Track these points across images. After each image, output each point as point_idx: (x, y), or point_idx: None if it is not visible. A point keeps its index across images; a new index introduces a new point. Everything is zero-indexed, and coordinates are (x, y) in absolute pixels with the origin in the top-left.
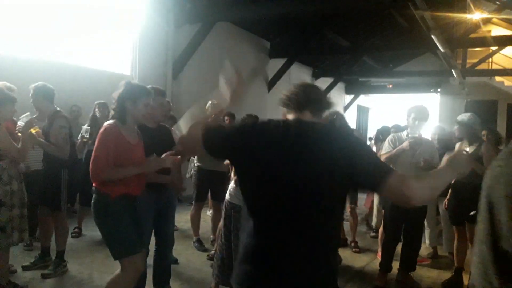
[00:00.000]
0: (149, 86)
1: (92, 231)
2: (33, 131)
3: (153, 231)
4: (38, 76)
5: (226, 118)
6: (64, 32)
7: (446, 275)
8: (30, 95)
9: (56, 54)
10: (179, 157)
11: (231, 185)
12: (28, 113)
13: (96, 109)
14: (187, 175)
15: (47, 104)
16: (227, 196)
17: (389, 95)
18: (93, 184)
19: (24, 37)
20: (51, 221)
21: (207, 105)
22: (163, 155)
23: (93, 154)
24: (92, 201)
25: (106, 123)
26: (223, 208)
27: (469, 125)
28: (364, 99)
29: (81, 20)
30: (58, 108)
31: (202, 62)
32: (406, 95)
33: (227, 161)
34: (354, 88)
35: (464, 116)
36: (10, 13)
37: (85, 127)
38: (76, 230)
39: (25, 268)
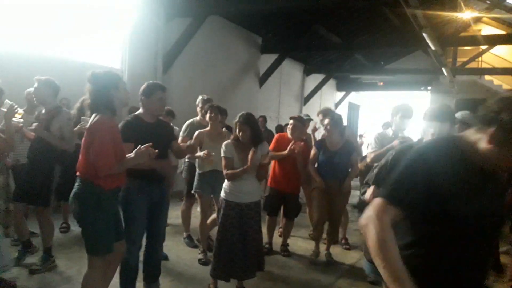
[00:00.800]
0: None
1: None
2: (18, 115)
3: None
4: (27, 70)
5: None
6: (52, 25)
7: None
8: (34, 86)
9: (44, 47)
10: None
11: (226, 182)
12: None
13: (82, 103)
14: (178, 171)
15: (52, 98)
16: (222, 194)
17: (380, 93)
18: (80, 175)
19: (11, 31)
20: (23, 215)
21: (198, 100)
22: (142, 147)
23: (97, 149)
24: (78, 192)
25: (98, 117)
26: (220, 206)
27: (469, 123)
28: (355, 96)
29: (70, 13)
30: (59, 104)
31: (192, 56)
32: (397, 92)
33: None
34: (345, 85)
35: (463, 114)
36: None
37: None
38: (64, 225)
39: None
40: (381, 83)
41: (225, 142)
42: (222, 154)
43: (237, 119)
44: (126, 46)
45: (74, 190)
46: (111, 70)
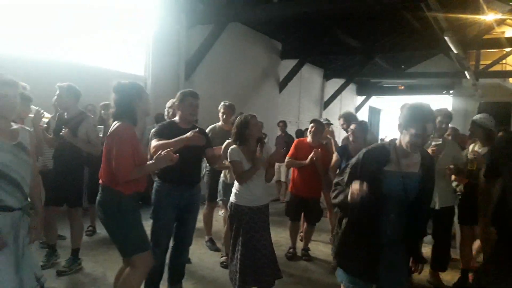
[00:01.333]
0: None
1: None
2: (45, 119)
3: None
4: (52, 76)
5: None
6: (79, 32)
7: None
8: (56, 93)
9: (71, 54)
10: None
11: (236, 185)
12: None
13: (102, 110)
14: (200, 175)
15: (74, 103)
16: (232, 198)
17: (401, 97)
18: (102, 182)
19: (39, 38)
20: (56, 219)
21: (220, 106)
22: (162, 152)
23: (115, 155)
24: (101, 199)
25: (118, 125)
26: (229, 211)
27: (483, 126)
28: (375, 100)
29: (94, 20)
30: (82, 109)
31: (214, 62)
32: (418, 96)
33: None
34: (365, 89)
35: (479, 117)
36: (26, 14)
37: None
38: (90, 228)
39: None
40: (402, 87)
41: (230, 147)
42: (230, 159)
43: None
44: (150, 53)
45: (97, 197)
46: (135, 81)
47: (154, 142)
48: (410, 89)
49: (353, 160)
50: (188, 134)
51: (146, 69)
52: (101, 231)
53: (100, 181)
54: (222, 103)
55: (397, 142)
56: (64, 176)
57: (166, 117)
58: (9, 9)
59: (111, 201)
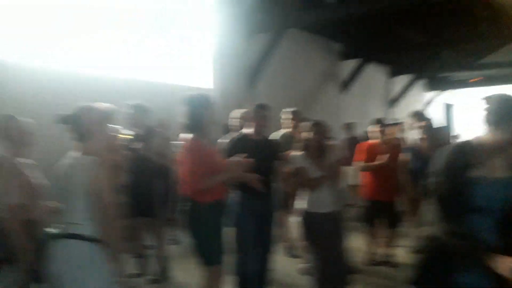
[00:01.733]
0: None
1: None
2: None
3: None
4: (122, 94)
5: None
6: (145, 49)
7: None
8: (130, 111)
9: (138, 71)
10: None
11: (309, 193)
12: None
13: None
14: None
15: (144, 120)
16: (303, 204)
17: (475, 89)
18: (184, 194)
19: (108, 56)
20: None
21: (285, 112)
22: (234, 160)
23: (187, 168)
24: (184, 210)
25: (188, 137)
26: (301, 219)
27: None
28: (446, 95)
29: (158, 37)
30: (152, 125)
31: (275, 70)
32: (494, 87)
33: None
34: (434, 84)
35: None
36: (94, 34)
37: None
38: (173, 238)
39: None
40: (475, 80)
41: (295, 154)
42: (295, 166)
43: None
44: (214, 65)
45: (181, 208)
46: (204, 92)
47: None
48: (484, 81)
49: (434, 167)
50: (249, 177)
51: (214, 82)
52: (185, 240)
53: (183, 192)
54: (288, 109)
55: (482, 140)
56: (144, 188)
57: (230, 127)
58: (80, 30)
59: (192, 211)
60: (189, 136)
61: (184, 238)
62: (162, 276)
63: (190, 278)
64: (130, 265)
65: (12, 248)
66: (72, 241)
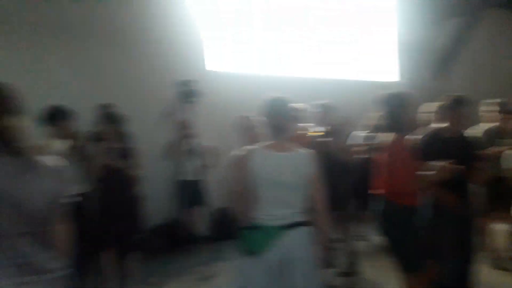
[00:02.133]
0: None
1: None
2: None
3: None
4: (311, 92)
5: None
6: (330, 46)
7: None
8: (318, 110)
9: (322, 69)
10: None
11: None
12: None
13: (366, 122)
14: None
15: (331, 119)
16: None
17: None
18: (379, 192)
19: (296, 56)
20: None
21: (488, 104)
22: (442, 163)
23: (388, 168)
24: (379, 209)
25: (390, 137)
26: None
27: None
28: None
29: (343, 32)
30: (339, 125)
31: (473, 57)
32: None
33: None
34: None
35: None
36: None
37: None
38: (362, 234)
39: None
40: None
41: (505, 152)
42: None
43: None
44: (399, 56)
45: (373, 206)
46: (402, 90)
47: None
48: None
49: None
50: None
51: (401, 74)
52: (375, 238)
53: (380, 192)
54: (492, 100)
55: None
56: (333, 183)
57: (419, 122)
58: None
59: (387, 212)
60: (389, 135)
61: (374, 236)
62: (350, 270)
63: (378, 275)
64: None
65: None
66: (307, 227)
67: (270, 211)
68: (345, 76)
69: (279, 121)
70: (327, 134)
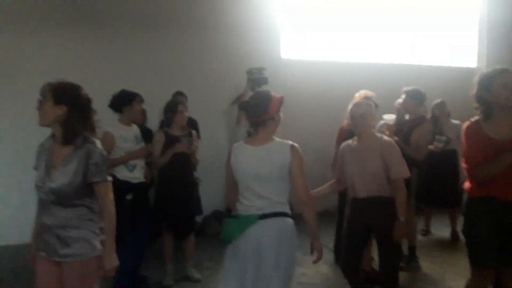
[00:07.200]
0: None
1: (439, 230)
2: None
3: None
4: (381, 79)
5: None
6: (402, 31)
7: None
8: (402, 97)
9: (398, 55)
10: None
11: None
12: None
13: (436, 109)
14: None
15: (417, 107)
16: None
17: None
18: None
19: (369, 44)
20: None
21: None
22: None
23: (465, 154)
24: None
25: (467, 122)
26: None
27: None
28: None
29: (417, 16)
30: (423, 114)
31: None
32: None
33: None
34: None
35: None
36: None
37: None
38: (424, 228)
39: None
40: None
41: None
42: None
43: None
44: (484, 40)
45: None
46: (467, 74)
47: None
48: None
49: None
50: None
51: (479, 58)
52: (435, 232)
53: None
54: None
55: None
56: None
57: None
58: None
59: (465, 204)
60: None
61: (437, 231)
62: (411, 264)
63: (440, 270)
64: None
65: None
66: (281, 218)
67: (247, 202)
68: (422, 62)
69: (255, 115)
70: (404, 124)
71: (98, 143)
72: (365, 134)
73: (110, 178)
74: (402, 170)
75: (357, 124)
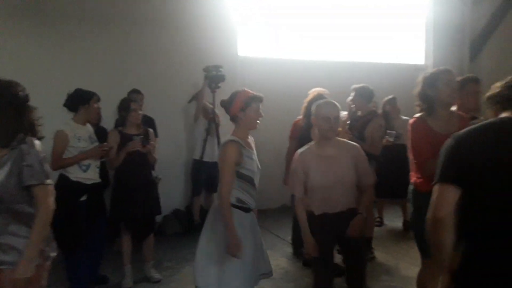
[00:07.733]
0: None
1: (392, 221)
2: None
3: None
4: (342, 77)
5: None
6: (357, 30)
7: None
8: (352, 94)
9: (350, 53)
10: None
11: None
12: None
13: (387, 105)
14: None
15: (364, 103)
16: None
17: None
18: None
19: (329, 41)
20: None
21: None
22: None
23: (411, 148)
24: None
25: (410, 120)
26: None
27: None
28: None
29: (367, 16)
30: (374, 109)
31: (504, 39)
32: None
33: None
34: None
35: None
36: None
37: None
38: (378, 219)
39: None
40: None
41: None
42: None
43: None
44: (430, 39)
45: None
46: (416, 71)
47: None
48: None
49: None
50: None
51: (426, 56)
52: (388, 223)
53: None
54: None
55: None
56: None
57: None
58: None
59: (411, 197)
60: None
61: (390, 221)
62: (367, 256)
63: (394, 260)
64: None
65: None
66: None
67: (245, 198)
68: (373, 60)
69: (226, 112)
70: (356, 120)
71: (37, 144)
72: (333, 139)
73: (49, 181)
74: (371, 177)
75: (331, 128)
